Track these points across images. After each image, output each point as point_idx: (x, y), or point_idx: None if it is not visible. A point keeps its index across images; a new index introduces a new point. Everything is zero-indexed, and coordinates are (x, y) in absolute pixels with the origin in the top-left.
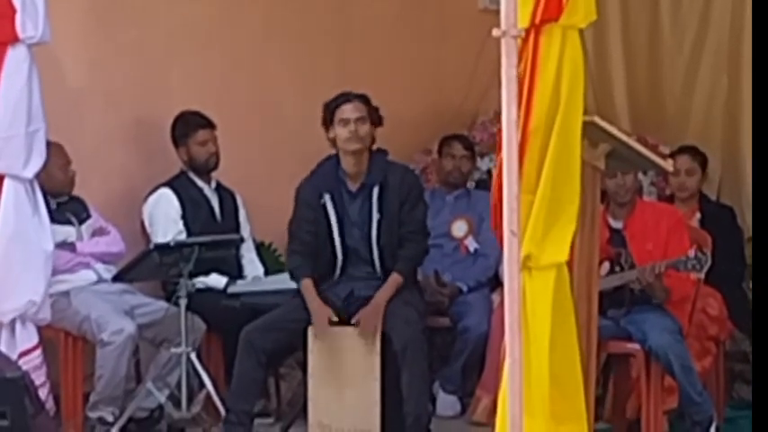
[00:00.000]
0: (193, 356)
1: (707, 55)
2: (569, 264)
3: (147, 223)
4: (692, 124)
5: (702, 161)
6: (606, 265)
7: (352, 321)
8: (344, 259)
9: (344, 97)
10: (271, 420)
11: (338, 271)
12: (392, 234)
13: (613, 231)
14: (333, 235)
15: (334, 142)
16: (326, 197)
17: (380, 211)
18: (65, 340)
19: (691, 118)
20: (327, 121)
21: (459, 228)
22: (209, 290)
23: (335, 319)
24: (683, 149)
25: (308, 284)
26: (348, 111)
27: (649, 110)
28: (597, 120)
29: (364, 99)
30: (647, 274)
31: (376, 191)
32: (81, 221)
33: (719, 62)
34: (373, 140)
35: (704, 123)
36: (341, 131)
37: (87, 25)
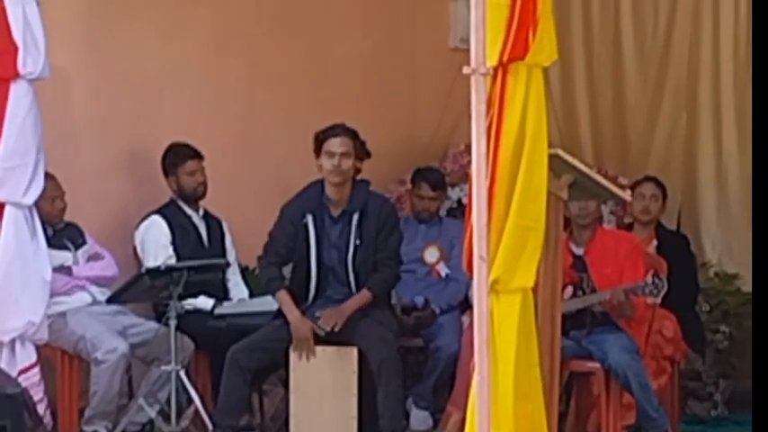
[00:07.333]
0: (182, 374)
1: (668, 93)
2: (534, 288)
3: (138, 248)
4: (652, 158)
5: (663, 192)
6: (569, 289)
7: (317, 315)
8: (320, 278)
9: (334, 131)
10: None
11: (312, 290)
12: (368, 258)
13: (576, 257)
14: (310, 254)
15: (321, 169)
16: (309, 217)
17: (359, 236)
18: (61, 359)
19: (652, 152)
20: (316, 150)
21: (431, 254)
22: (197, 311)
23: (321, 332)
24: (648, 178)
25: (284, 297)
26: (335, 145)
27: (613, 144)
28: (560, 152)
29: (353, 134)
30: (620, 295)
31: (356, 217)
32: (77, 247)
33: (679, 100)
34: (358, 171)
35: (665, 157)
36: (325, 163)
37: (83, 60)
